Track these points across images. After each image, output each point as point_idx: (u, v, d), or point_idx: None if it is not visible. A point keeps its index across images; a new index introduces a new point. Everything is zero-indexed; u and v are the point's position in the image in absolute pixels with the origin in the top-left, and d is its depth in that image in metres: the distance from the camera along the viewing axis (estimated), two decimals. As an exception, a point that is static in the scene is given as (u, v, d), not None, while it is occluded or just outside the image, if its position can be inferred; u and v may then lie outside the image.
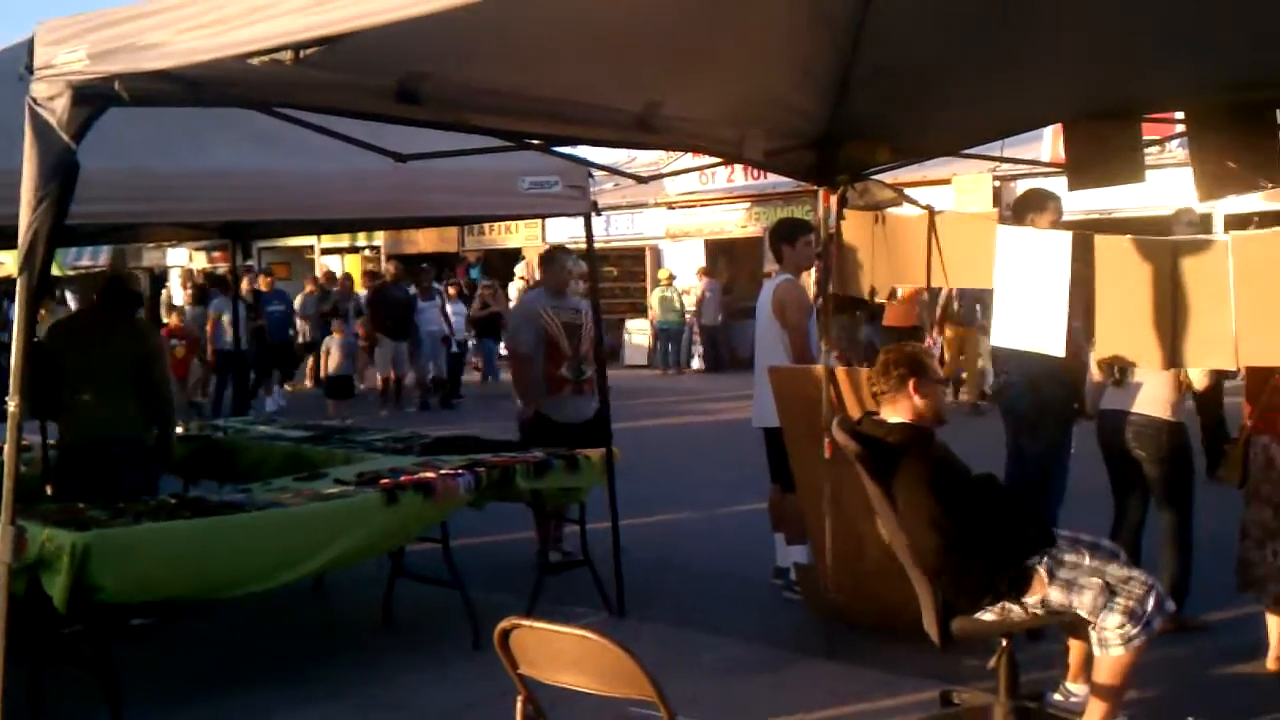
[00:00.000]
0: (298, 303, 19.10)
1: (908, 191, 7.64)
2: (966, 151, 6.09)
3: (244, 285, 16.43)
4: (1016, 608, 4.24)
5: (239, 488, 6.10)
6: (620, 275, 25.55)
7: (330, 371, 16.48)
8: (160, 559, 4.93)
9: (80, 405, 6.31)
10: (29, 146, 3.22)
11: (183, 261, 32.14)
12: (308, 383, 19.39)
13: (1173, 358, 5.02)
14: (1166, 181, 8.19)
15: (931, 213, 5.77)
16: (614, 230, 25.05)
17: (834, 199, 5.82)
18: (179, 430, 7.44)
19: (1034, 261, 5.20)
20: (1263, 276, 4.69)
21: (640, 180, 11.12)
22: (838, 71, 4.99)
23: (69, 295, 21.63)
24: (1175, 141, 6.36)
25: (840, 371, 5.92)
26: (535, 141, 5.01)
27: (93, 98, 3.21)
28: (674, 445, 11.23)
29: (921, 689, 5.11)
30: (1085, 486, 6.47)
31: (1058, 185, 5.62)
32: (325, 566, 5.56)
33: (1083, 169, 5.13)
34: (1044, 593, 4.19)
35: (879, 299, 6.16)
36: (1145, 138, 5.09)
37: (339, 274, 24.74)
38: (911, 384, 4.55)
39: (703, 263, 23.42)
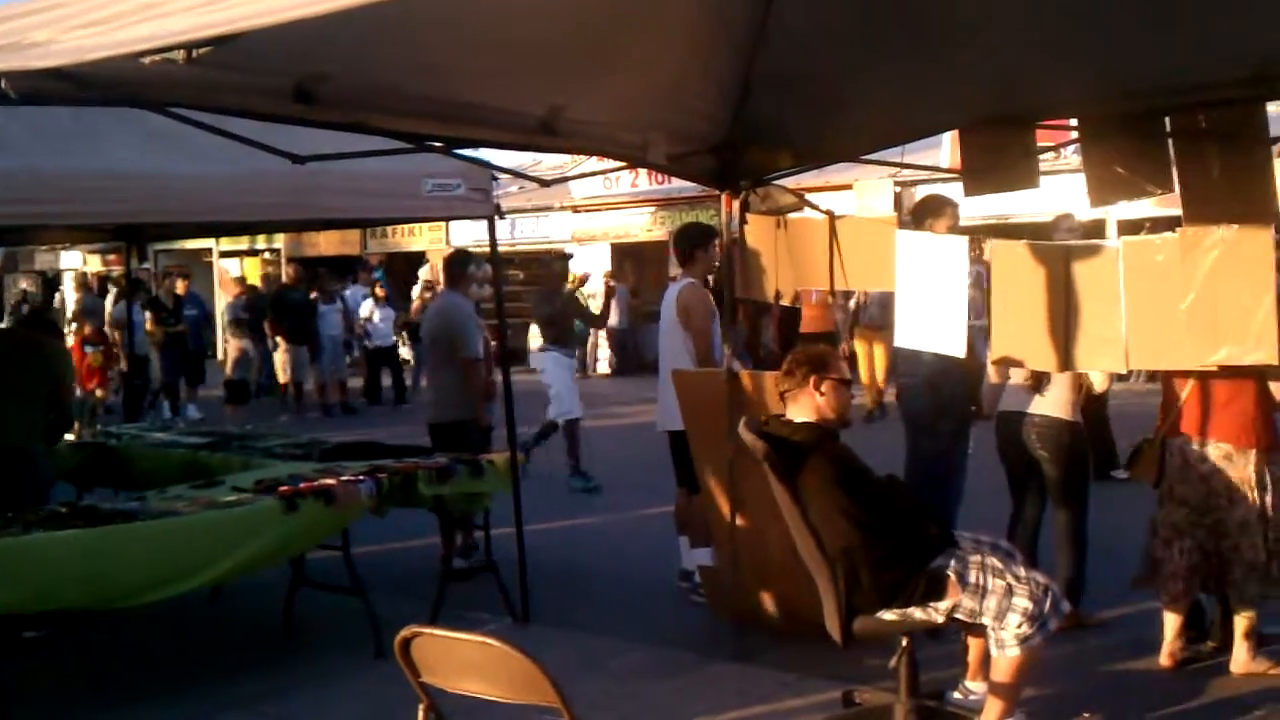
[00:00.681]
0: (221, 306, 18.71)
1: (810, 196, 7.72)
2: (867, 157, 6.15)
3: (164, 288, 16.15)
4: (918, 609, 4.30)
5: (133, 496, 5.98)
6: (526, 279, 25.45)
7: (227, 376, 16.18)
8: (51, 569, 4.80)
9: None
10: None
11: (76, 264, 31.36)
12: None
13: (1067, 360, 5.14)
14: (1060, 187, 8.34)
15: (832, 217, 5.83)
16: (519, 233, 24.95)
17: (736, 204, 5.86)
18: (69, 437, 7.33)
19: (933, 265, 5.29)
20: (1152, 281, 4.82)
21: (544, 184, 11.07)
22: (739, 76, 5.03)
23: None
24: (1069, 148, 6.50)
25: (744, 374, 5.95)
26: (437, 144, 4.97)
27: (-23, 95, 3.12)
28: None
29: (825, 689, 5.15)
30: (982, 487, 6.58)
31: (956, 191, 5.71)
32: (223, 576, 5.45)
33: (979, 175, 5.22)
34: (957, 598, 4.24)
35: (783, 302, 6.21)
36: (1040, 144, 5.19)
37: (238, 277, 24.29)
38: (813, 381, 4.58)
39: (609, 266, 23.42)
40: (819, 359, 4.69)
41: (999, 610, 4.17)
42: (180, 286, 17.49)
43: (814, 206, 6.54)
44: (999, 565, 4.31)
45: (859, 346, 14.49)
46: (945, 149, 15.55)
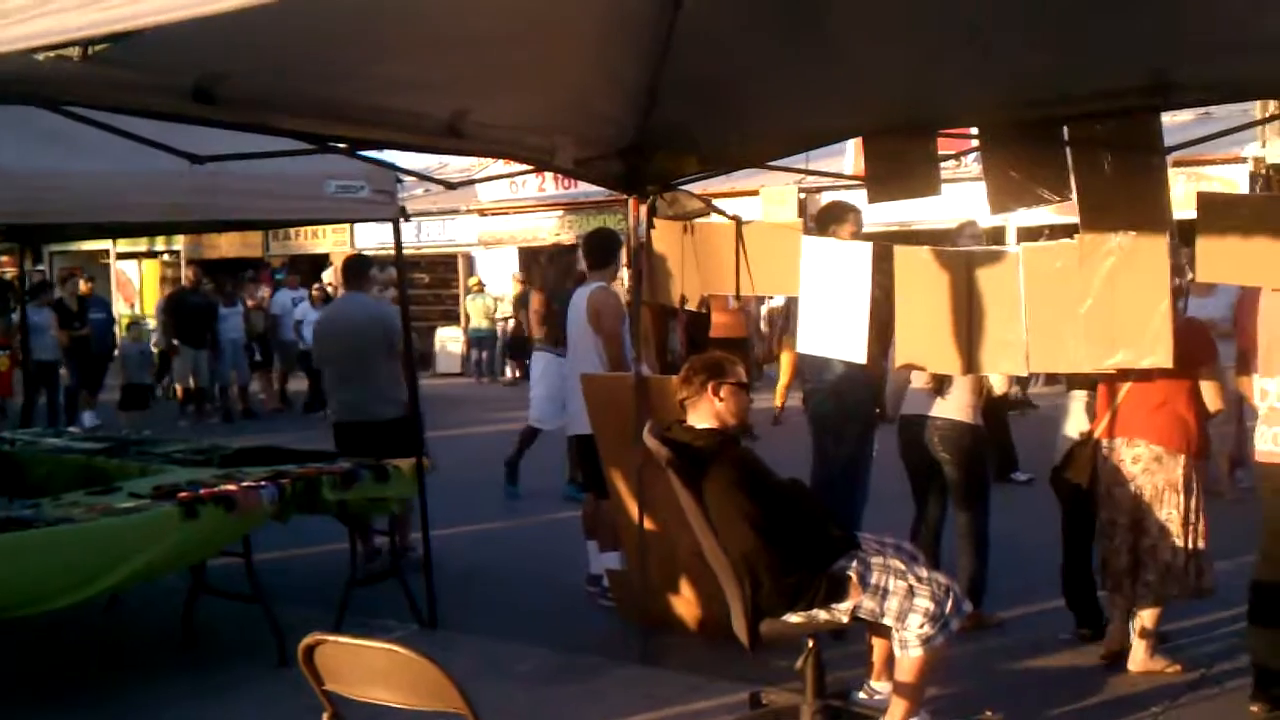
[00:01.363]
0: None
1: (717, 202, 7.78)
2: (772, 163, 6.20)
3: (68, 290, 15.71)
4: (821, 610, 4.34)
5: (27, 503, 5.80)
6: (432, 282, 25.31)
7: (124, 380, 15.79)
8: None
9: None
10: None
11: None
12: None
13: (969, 363, 5.23)
14: (961, 195, 8.50)
15: (739, 223, 5.88)
16: (425, 237, 24.80)
17: (644, 208, 5.87)
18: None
19: (836, 271, 5.35)
20: (1051, 286, 4.92)
21: (450, 186, 11.02)
22: (646, 82, 5.03)
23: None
24: (970, 156, 6.60)
25: (652, 379, 5.97)
26: (340, 145, 4.90)
27: None
28: (487, 453, 11.14)
29: (732, 691, 5.17)
30: (887, 489, 6.67)
31: (859, 197, 5.78)
32: (120, 584, 5.32)
33: (882, 182, 5.28)
34: (858, 599, 4.28)
35: (689, 307, 6.24)
36: (941, 153, 5.27)
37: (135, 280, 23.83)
38: (711, 387, 4.61)
39: (516, 269, 23.34)
40: (715, 365, 4.71)
41: (901, 611, 4.23)
42: (84, 287, 17.06)
43: (720, 212, 6.57)
44: (901, 567, 4.37)
45: (785, 355, 14.61)
46: (849, 156, 15.77)
